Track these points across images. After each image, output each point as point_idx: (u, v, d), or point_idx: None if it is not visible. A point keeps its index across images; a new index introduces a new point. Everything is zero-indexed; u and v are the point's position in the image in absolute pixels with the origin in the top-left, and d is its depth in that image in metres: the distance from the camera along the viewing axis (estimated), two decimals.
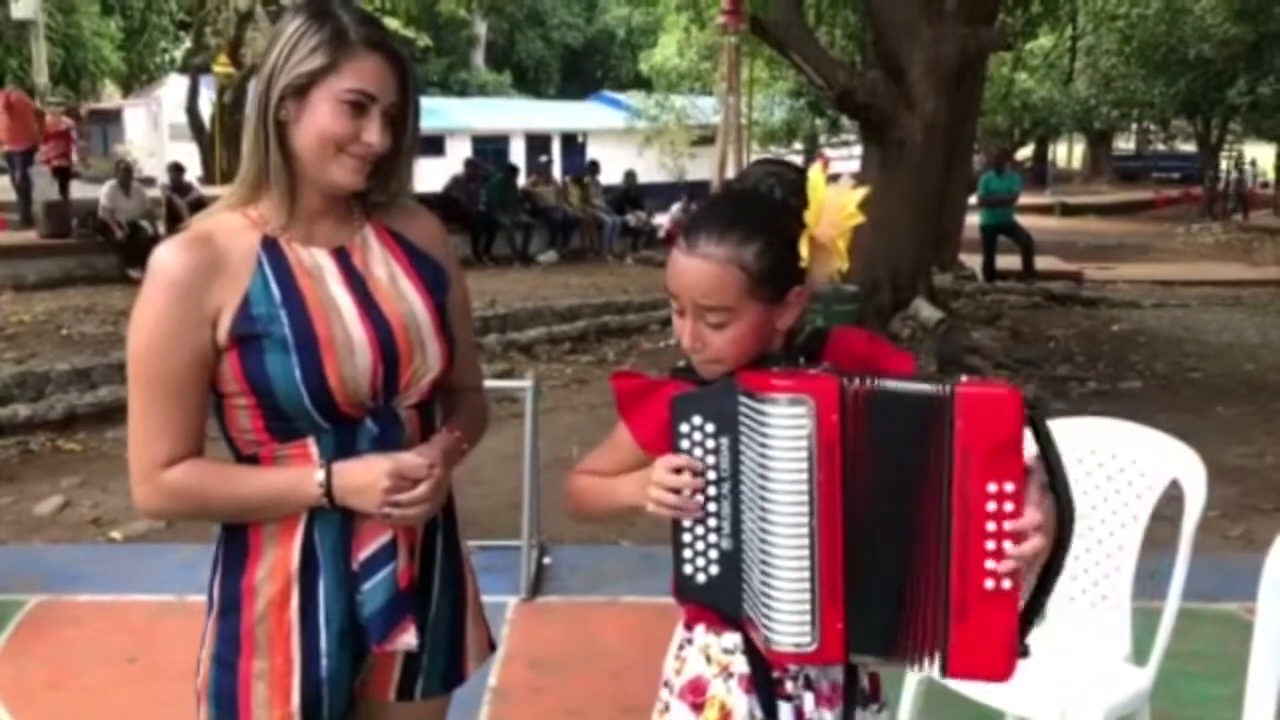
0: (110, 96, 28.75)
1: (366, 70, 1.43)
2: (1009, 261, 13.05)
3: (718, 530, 1.40)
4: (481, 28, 34.67)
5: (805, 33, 9.07)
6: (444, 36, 29.51)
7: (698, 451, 1.39)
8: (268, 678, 1.50)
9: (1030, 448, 1.35)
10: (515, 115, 27.97)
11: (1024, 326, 9.90)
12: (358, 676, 1.56)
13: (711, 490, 1.39)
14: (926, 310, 8.36)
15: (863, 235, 1.45)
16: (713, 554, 1.41)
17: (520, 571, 3.90)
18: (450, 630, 1.63)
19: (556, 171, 16.41)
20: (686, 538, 1.42)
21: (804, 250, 1.39)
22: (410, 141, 1.52)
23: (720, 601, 1.42)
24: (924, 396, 1.32)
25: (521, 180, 15.33)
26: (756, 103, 18.64)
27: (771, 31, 8.71)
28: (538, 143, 25.99)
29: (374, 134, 1.44)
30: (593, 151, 22.84)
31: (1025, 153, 30.50)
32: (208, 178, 18.43)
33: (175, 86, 23.30)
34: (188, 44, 25.80)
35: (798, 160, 18.67)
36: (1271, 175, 26.11)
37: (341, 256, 1.51)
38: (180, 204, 11.94)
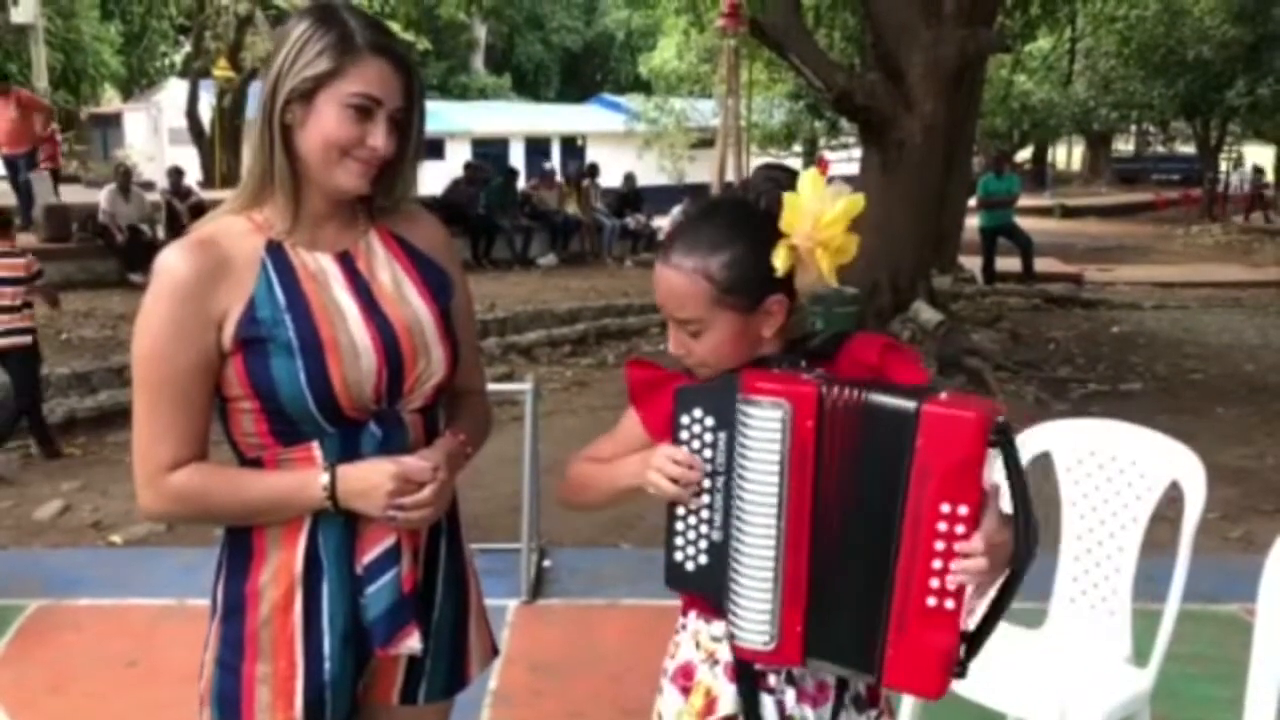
0: (110, 101, 28.74)
1: (372, 75, 1.43)
2: (1008, 263, 13.05)
3: (709, 522, 1.42)
4: (481, 31, 34.68)
5: (804, 35, 9.08)
6: (443, 40, 29.49)
7: (696, 444, 1.41)
8: (271, 681, 1.50)
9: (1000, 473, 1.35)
10: (515, 118, 27.94)
11: (1024, 328, 9.91)
12: (361, 680, 1.56)
13: (706, 482, 1.41)
14: (926, 312, 8.36)
15: (862, 237, 1.44)
16: (703, 544, 1.43)
17: (520, 574, 3.90)
18: (453, 634, 1.64)
19: (557, 176, 16.39)
20: (679, 526, 1.44)
21: (777, 259, 1.39)
22: (415, 146, 1.52)
23: (707, 590, 1.45)
24: (891, 411, 1.33)
25: (521, 183, 15.33)
26: (756, 105, 18.65)
27: (770, 34, 8.71)
28: (537, 146, 25.99)
29: (379, 139, 1.45)
30: (592, 154, 22.82)
31: (1024, 155, 30.50)
32: (207, 182, 18.41)
33: (175, 91, 23.26)
34: (187, 48, 25.82)
35: (798, 163, 18.72)
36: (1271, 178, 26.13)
37: (346, 261, 1.52)
38: (180, 208, 11.92)
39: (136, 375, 1.45)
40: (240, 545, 1.51)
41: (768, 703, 1.48)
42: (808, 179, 1.41)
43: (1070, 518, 2.54)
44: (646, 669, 3.42)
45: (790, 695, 1.48)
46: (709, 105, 21.06)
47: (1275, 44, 19.46)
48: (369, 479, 1.44)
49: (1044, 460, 2.56)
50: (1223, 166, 26.27)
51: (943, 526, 1.31)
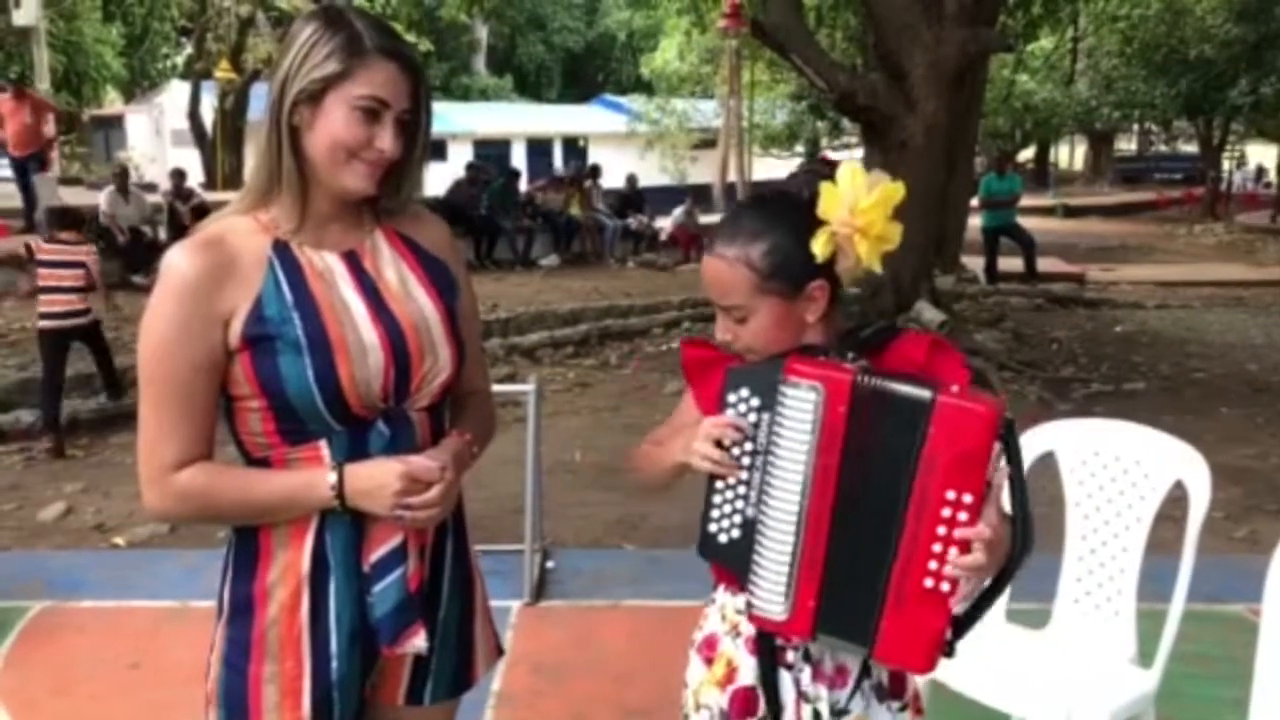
0: (112, 102, 28.79)
1: (380, 77, 1.43)
2: (1011, 263, 13.04)
3: (745, 498, 1.46)
4: (483, 32, 34.71)
5: (806, 35, 9.07)
6: (445, 41, 29.53)
7: (740, 422, 1.46)
8: (278, 681, 1.50)
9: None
10: (517, 119, 27.95)
11: (1027, 328, 9.90)
12: (368, 680, 1.57)
13: (746, 460, 1.45)
14: (929, 312, 8.35)
15: None
16: (737, 518, 1.47)
17: (523, 576, 3.90)
18: (459, 634, 1.64)
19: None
20: (716, 499, 1.48)
21: (816, 246, 1.44)
22: (422, 148, 1.53)
23: (736, 564, 1.49)
24: (910, 400, 1.38)
25: (524, 184, 15.33)
26: (758, 106, 18.68)
27: (772, 34, 8.70)
28: (539, 147, 26.00)
29: (387, 140, 1.45)
30: (594, 155, 22.84)
31: (1027, 154, 30.49)
32: (209, 183, 18.42)
33: (177, 92, 23.28)
34: (189, 50, 25.83)
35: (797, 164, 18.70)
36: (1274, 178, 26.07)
37: (352, 260, 1.52)
38: (182, 210, 11.93)
39: (142, 373, 1.45)
40: (247, 545, 1.51)
41: (785, 678, 1.53)
42: (847, 170, 1.47)
43: (1074, 518, 2.53)
44: (650, 670, 3.41)
45: (806, 674, 1.52)
46: (711, 106, 21.09)
47: (1278, 43, 19.42)
48: (376, 478, 1.44)
49: (1048, 460, 2.55)
50: (1225, 166, 26.20)
51: (946, 512, 1.37)
